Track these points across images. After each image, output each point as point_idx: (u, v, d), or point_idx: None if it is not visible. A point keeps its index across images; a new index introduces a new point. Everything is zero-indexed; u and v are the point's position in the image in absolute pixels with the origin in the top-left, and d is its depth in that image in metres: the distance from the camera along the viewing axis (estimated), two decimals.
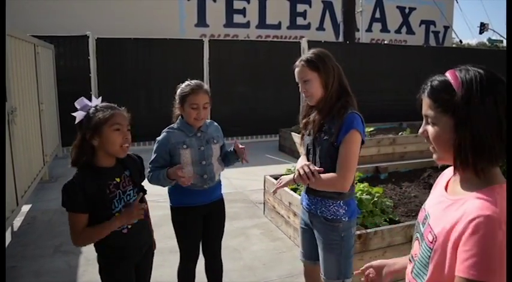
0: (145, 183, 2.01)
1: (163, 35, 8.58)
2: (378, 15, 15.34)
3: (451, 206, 1.05)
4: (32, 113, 5.01)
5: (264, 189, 4.52)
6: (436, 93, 1.05)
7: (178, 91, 2.31)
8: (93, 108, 1.76)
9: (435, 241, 1.04)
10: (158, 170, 2.22)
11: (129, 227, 1.83)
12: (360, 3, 12.97)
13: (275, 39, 12.60)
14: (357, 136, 1.90)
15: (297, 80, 2.03)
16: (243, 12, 13.44)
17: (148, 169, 2.27)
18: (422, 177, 4.75)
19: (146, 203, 1.98)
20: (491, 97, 0.97)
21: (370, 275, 1.39)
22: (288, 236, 3.89)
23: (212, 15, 13.00)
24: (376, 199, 3.44)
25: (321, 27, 14.51)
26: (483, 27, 22.60)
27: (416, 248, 1.16)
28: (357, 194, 3.36)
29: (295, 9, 14.13)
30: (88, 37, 7.54)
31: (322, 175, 1.92)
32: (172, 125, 2.37)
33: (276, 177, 4.34)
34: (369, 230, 2.97)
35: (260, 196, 4.82)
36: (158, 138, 2.32)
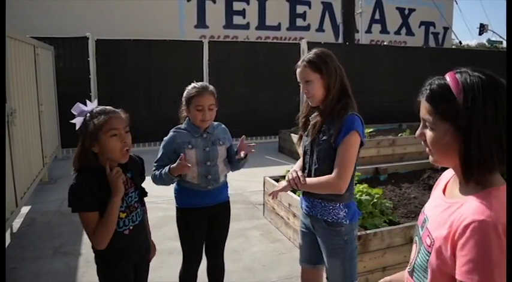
0: (146, 183, 2.01)
1: (163, 37, 8.58)
2: (377, 16, 15.34)
3: (448, 209, 1.05)
4: (32, 114, 5.00)
5: (264, 190, 4.52)
6: (435, 100, 1.03)
7: (185, 93, 2.32)
8: (89, 114, 1.71)
9: (433, 245, 1.04)
10: (162, 169, 2.23)
11: (131, 228, 1.82)
12: (359, 5, 12.96)
13: (275, 41, 12.58)
14: (356, 137, 1.89)
15: (298, 80, 2.03)
16: (242, 13, 13.44)
17: (153, 168, 2.29)
18: (422, 179, 4.75)
19: (145, 205, 1.98)
20: (492, 105, 0.96)
21: None
22: (288, 238, 3.88)
23: (212, 16, 13.00)
24: (375, 200, 3.44)
25: (320, 29, 14.50)
26: (483, 28, 22.58)
27: (415, 252, 1.16)
28: (357, 195, 3.36)
29: (294, 11, 14.12)
30: (88, 38, 7.53)
31: (317, 177, 1.91)
32: (179, 125, 2.39)
33: (276, 179, 4.34)
34: (368, 231, 2.97)
35: (260, 197, 4.82)
36: (165, 138, 2.35)
